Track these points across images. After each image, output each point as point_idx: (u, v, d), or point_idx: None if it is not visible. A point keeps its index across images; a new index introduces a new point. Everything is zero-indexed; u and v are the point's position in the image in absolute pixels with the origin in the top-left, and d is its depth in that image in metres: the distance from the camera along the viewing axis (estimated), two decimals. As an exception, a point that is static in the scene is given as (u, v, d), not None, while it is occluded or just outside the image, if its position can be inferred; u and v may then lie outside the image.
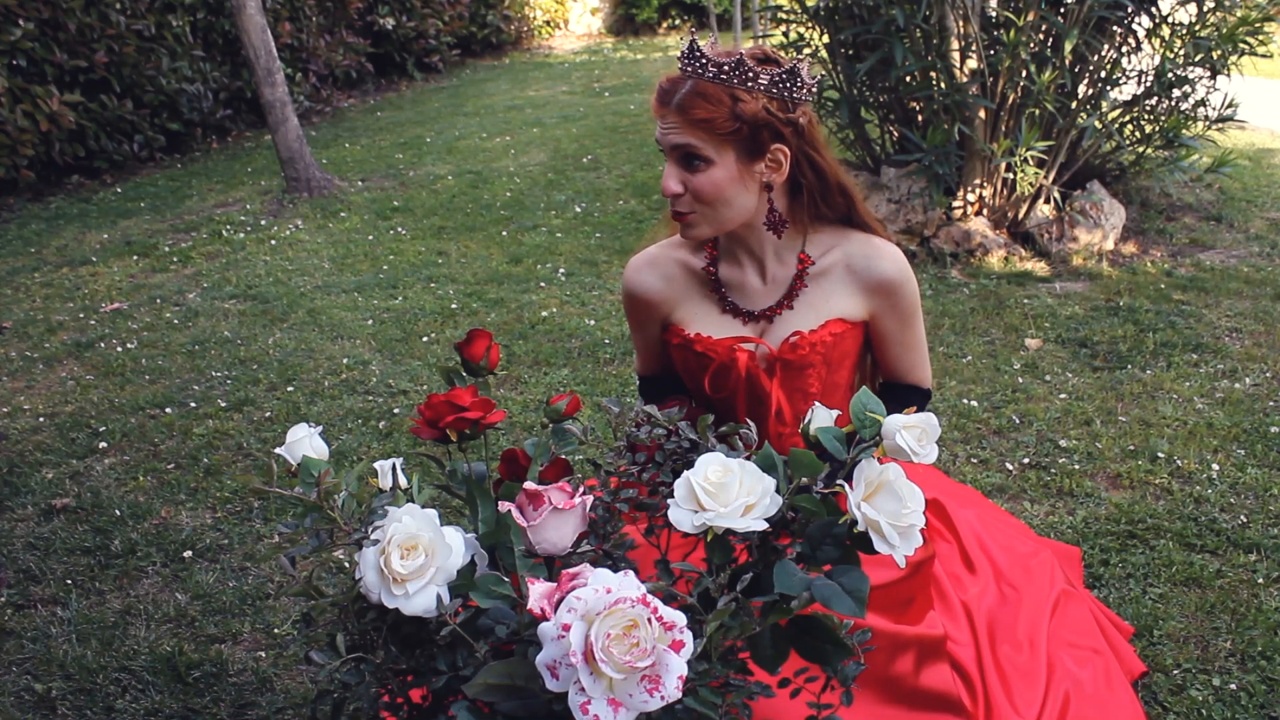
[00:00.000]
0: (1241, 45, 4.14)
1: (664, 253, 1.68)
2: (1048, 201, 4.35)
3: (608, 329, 3.84)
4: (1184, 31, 4.16)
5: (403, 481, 1.23)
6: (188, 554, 2.60)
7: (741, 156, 1.47)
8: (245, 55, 5.74)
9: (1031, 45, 3.98)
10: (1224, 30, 4.12)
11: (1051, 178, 4.28)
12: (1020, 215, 4.40)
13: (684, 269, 1.65)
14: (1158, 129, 4.41)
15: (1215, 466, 2.72)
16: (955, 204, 4.39)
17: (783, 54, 1.53)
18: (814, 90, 1.51)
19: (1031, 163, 4.06)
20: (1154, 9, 4.14)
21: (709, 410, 1.55)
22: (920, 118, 4.49)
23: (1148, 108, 4.44)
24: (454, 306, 4.20)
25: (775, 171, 1.51)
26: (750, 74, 1.44)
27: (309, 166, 5.96)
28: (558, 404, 1.25)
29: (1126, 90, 4.45)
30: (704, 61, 1.45)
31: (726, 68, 1.44)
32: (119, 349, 3.97)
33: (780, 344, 1.59)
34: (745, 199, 1.51)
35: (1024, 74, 4.04)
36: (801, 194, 1.56)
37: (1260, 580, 2.26)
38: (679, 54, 1.48)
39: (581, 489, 1.09)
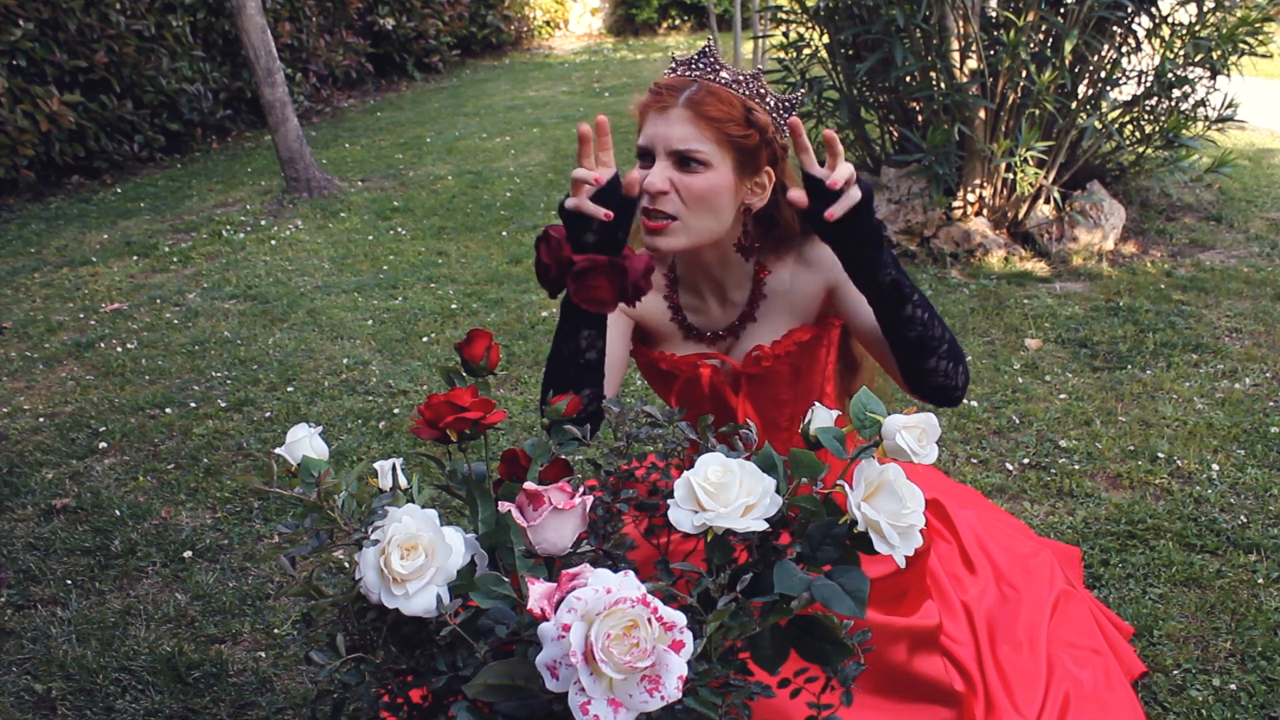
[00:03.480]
0: (1241, 45, 4.14)
1: None
2: (1048, 201, 4.35)
3: (608, 329, 3.84)
4: (1184, 31, 4.16)
5: (403, 481, 1.22)
6: (188, 554, 2.60)
7: (738, 168, 1.43)
8: (245, 55, 5.74)
9: (1031, 45, 3.98)
10: (1224, 30, 4.12)
11: (1051, 178, 4.28)
12: (1020, 215, 4.40)
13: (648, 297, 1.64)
14: (1158, 129, 4.41)
15: (1215, 467, 2.72)
16: (955, 204, 4.39)
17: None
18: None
19: (1031, 163, 4.06)
20: (1154, 9, 4.14)
21: None
22: (920, 118, 4.49)
23: (1148, 108, 4.44)
24: (454, 306, 4.20)
25: (758, 196, 1.47)
26: (762, 90, 1.44)
27: (309, 166, 5.96)
28: (558, 404, 1.25)
29: (1126, 90, 4.45)
30: (718, 66, 1.43)
31: (742, 77, 1.43)
32: (119, 349, 3.97)
33: (744, 358, 1.57)
34: (727, 215, 1.45)
35: (1024, 74, 4.04)
36: (774, 229, 1.53)
37: (1260, 580, 2.26)
38: (693, 55, 1.45)
39: (581, 489, 1.09)
